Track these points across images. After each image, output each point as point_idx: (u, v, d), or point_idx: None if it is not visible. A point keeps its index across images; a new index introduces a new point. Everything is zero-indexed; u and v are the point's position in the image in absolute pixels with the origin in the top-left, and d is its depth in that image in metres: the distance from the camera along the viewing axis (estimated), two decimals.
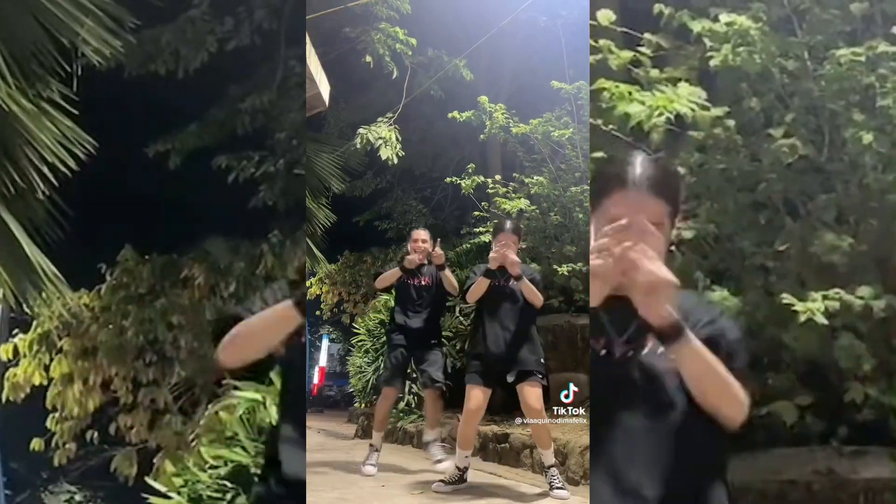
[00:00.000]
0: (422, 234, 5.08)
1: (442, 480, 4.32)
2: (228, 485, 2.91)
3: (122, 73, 6.04)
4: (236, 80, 6.76)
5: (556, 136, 6.96)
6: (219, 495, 2.89)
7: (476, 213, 7.51)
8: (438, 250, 4.85)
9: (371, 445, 4.96)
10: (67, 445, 6.24)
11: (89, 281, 6.43)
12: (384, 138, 7.17)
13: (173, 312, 5.91)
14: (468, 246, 7.98)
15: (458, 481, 4.31)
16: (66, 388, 6.06)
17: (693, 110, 2.76)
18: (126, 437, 6.12)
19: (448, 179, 7.67)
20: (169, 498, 2.98)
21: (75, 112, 4.15)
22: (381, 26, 7.40)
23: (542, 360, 4.29)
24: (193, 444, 4.02)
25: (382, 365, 5.39)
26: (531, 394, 4.12)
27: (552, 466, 4.18)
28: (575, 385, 5.95)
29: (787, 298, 2.62)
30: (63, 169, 4.11)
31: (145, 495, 3.08)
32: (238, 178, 6.31)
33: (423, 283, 5.02)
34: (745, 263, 3.01)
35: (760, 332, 2.91)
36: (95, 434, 6.32)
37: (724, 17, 2.92)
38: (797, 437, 2.85)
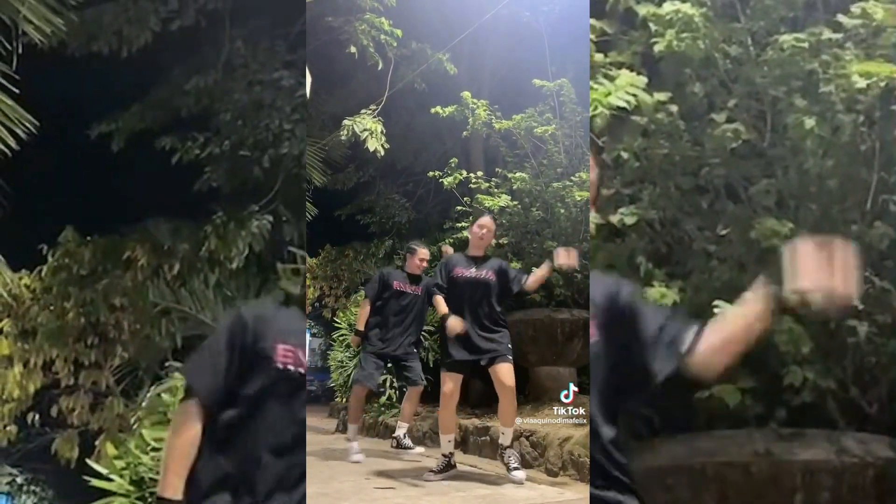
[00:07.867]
0: (425, 252, 5.66)
1: (431, 470, 4.45)
2: None
3: (64, 51, 5.94)
4: (180, 60, 6.68)
5: (538, 132, 6.99)
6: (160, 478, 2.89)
7: (458, 207, 7.51)
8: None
9: (347, 439, 5.31)
10: (8, 428, 6.25)
11: (30, 262, 6.40)
12: (370, 130, 7.19)
13: (115, 294, 5.85)
14: (451, 241, 7.97)
15: (446, 468, 4.42)
16: (6, 370, 6.02)
17: (628, 102, 2.78)
18: (67, 419, 6.13)
19: (431, 174, 7.64)
20: (110, 480, 2.97)
21: (16, 91, 4.08)
22: (365, 17, 7.42)
23: (510, 345, 4.47)
24: (135, 426, 4.02)
25: (357, 364, 5.67)
26: (504, 370, 4.34)
27: (509, 448, 4.33)
28: (557, 378, 5.98)
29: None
30: (3, 148, 4.07)
31: (87, 478, 3.06)
32: (182, 159, 6.24)
33: (416, 291, 5.45)
34: (687, 248, 3.03)
35: (702, 315, 2.92)
36: (36, 416, 6.34)
37: (669, 3, 2.94)
38: (736, 419, 2.86)
